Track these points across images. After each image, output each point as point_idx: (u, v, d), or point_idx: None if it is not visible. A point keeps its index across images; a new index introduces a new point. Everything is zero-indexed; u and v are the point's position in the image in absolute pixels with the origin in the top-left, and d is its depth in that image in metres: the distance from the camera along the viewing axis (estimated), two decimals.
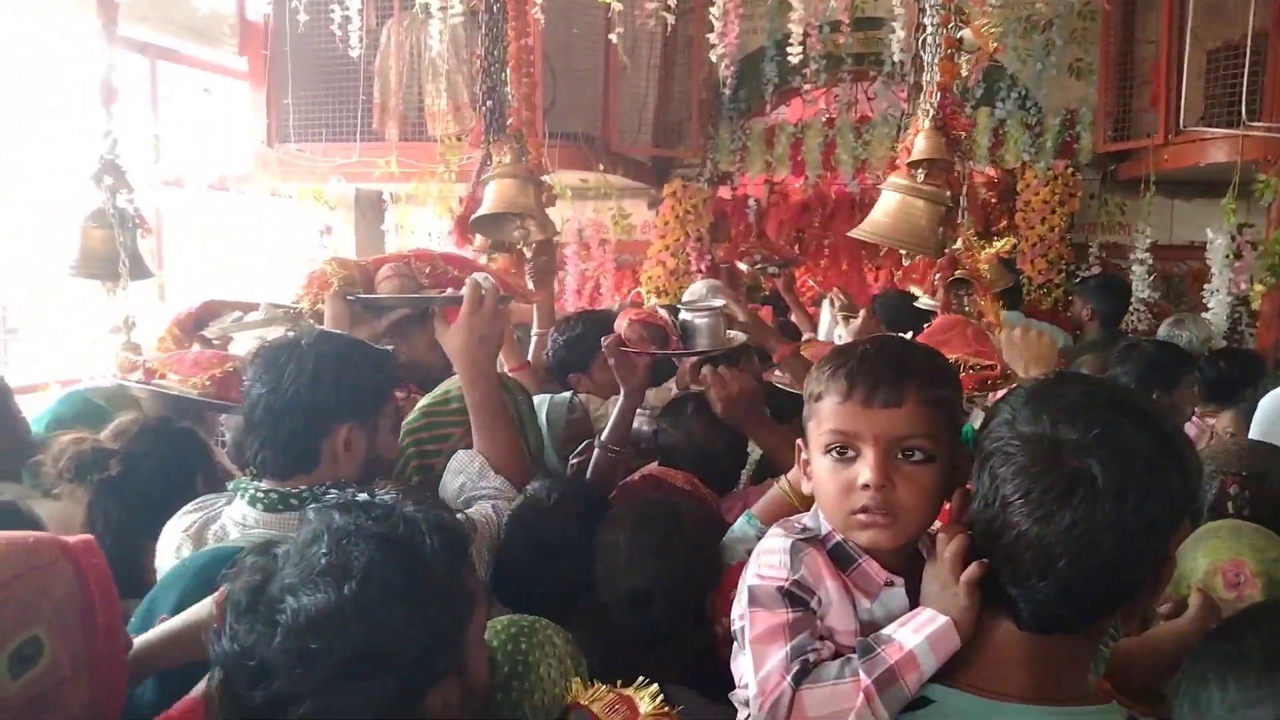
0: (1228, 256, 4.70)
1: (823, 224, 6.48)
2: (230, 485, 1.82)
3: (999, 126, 5.75)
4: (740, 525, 1.69)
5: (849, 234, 2.67)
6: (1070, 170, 5.70)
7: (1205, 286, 4.82)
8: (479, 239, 3.49)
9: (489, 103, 3.34)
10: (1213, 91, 4.72)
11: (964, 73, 2.37)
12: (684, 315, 2.87)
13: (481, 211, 3.26)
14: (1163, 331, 4.33)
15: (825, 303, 5.32)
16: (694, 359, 3.00)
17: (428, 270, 2.36)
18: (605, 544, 1.74)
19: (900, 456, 1.17)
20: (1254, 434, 2.92)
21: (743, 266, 6.05)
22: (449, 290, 2.26)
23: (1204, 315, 4.75)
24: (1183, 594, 1.46)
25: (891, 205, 2.38)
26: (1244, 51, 4.42)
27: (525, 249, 3.39)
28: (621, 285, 6.41)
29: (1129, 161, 5.49)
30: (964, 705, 1.05)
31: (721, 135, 6.17)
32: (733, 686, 1.22)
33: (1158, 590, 1.06)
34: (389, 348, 2.07)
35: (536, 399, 2.80)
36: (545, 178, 4.94)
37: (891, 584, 1.21)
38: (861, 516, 1.18)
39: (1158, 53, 5.02)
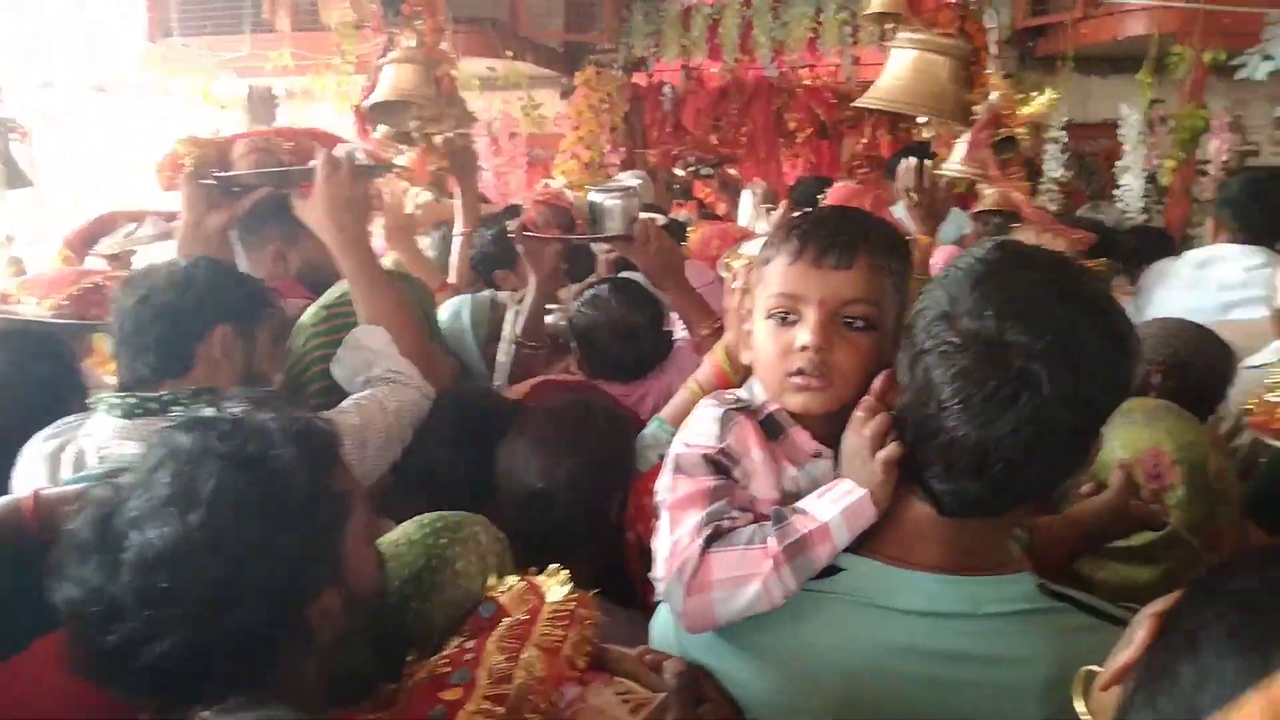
0: (1141, 133, 4.71)
1: (740, 111, 6.32)
2: (90, 400, 1.69)
3: None
4: (651, 430, 1.63)
5: (856, 103, 2.46)
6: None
7: (1117, 164, 4.83)
8: (381, 129, 3.30)
9: None
10: None
11: None
12: (593, 196, 2.75)
13: (375, 98, 3.06)
14: (1080, 214, 4.35)
15: (746, 193, 5.23)
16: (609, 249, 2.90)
17: (289, 146, 2.19)
18: (507, 445, 1.66)
19: (842, 322, 1.15)
20: (1133, 305, 2.97)
21: (677, 171, 5.92)
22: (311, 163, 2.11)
23: (1115, 193, 4.78)
24: (1100, 479, 1.44)
25: (905, 65, 2.17)
26: None
27: (440, 142, 3.21)
28: (534, 182, 6.22)
29: (1047, 37, 5.43)
30: (872, 571, 1.05)
31: (636, 18, 5.93)
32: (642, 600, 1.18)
33: (1086, 469, 1.04)
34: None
35: (455, 301, 2.70)
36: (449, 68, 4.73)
37: (819, 455, 1.20)
38: (797, 379, 1.16)
39: None
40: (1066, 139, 5.33)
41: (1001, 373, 0.92)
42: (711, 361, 1.59)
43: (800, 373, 1.15)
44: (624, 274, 2.92)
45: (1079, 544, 1.36)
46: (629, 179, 4.83)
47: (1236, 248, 2.97)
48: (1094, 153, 5.73)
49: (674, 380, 1.95)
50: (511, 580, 1.22)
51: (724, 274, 1.65)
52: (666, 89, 6.27)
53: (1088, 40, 4.92)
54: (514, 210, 3.26)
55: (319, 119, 5.84)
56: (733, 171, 6.05)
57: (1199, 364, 2.02)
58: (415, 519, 1.32)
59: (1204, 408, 2.04)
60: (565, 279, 3.01)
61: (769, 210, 4.20)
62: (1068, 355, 0.91)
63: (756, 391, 1.25)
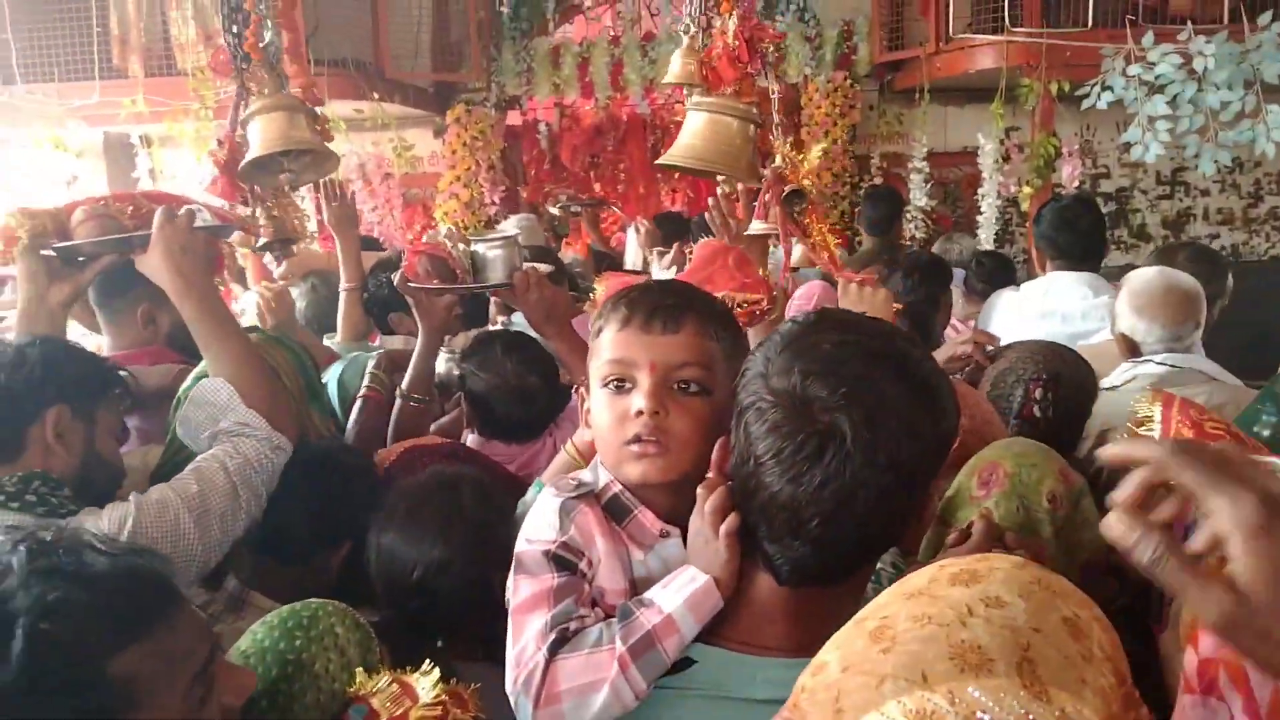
0: (997, 160, 4.90)
1: (616, 147, 6.37)
2: None
3: (779, 40, 5.76)
4: (530, 495, 1.57)
5: (658, 162, 2.56)
6: (849, 82, 5.79)
7: (978, 190, 5.02)
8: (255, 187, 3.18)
9: (234, 27, 2.99)
10: None
11: None
12: (476, 246, 2.73)
13: (251, 156, 2.95)
14: (937, 247, 4.50)
15: (630, 231, 5.26)
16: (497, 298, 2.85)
17: (129, 210, 2.09)
18: (375, 534, 1.59)
19: (676, 388, 1.15)
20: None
21: (552, 209, 5.91)
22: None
23: (978, 219, 4.96)
24: (958, 513, 1.45)
25: (700, 126, 2.23)
26: None
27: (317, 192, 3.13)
28: (413, 222, 6.13)
29: (904, 71, 5.63)
30: (725, 662, 1.02)
31: (505, 57, 5.92)
32: None
33: (921, 531, 1.08)
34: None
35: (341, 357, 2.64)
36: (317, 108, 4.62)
37: (667, 535, 1.17)
38: (634, 447, 1.14)
39: None
40: (928, 168, 5.53)
41: (808, 427, 0.93)
42: (587, 424, 1.56)
43: (637, 440, 1.13)
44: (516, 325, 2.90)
45: None
46: (512, 225, 4.81)
47: (1069, 276, 3.12)
48: (956, 180, 5.95)
49: (568, 436, 1.92)
50: (383, 679, 1.17)
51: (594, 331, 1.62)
52: (542, 127, 6.27)
53: (942, 73, 5.11)
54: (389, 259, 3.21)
55: (180, 165, 5.67)
56: (616, 208, 6.11)
57: (1072, 380, 2.09)
58: (264, 619, 1.25)
59: (1077, 424, 2.14)
60: (463, 324, 2.96)
61: (660, 253, 4.22)
62: (868, 409, 0.92)
63: (601, 473, 1.22)
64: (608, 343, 1.18)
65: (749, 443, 0.98)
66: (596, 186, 6.50)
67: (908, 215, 5.68)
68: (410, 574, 1.53)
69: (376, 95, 5.04)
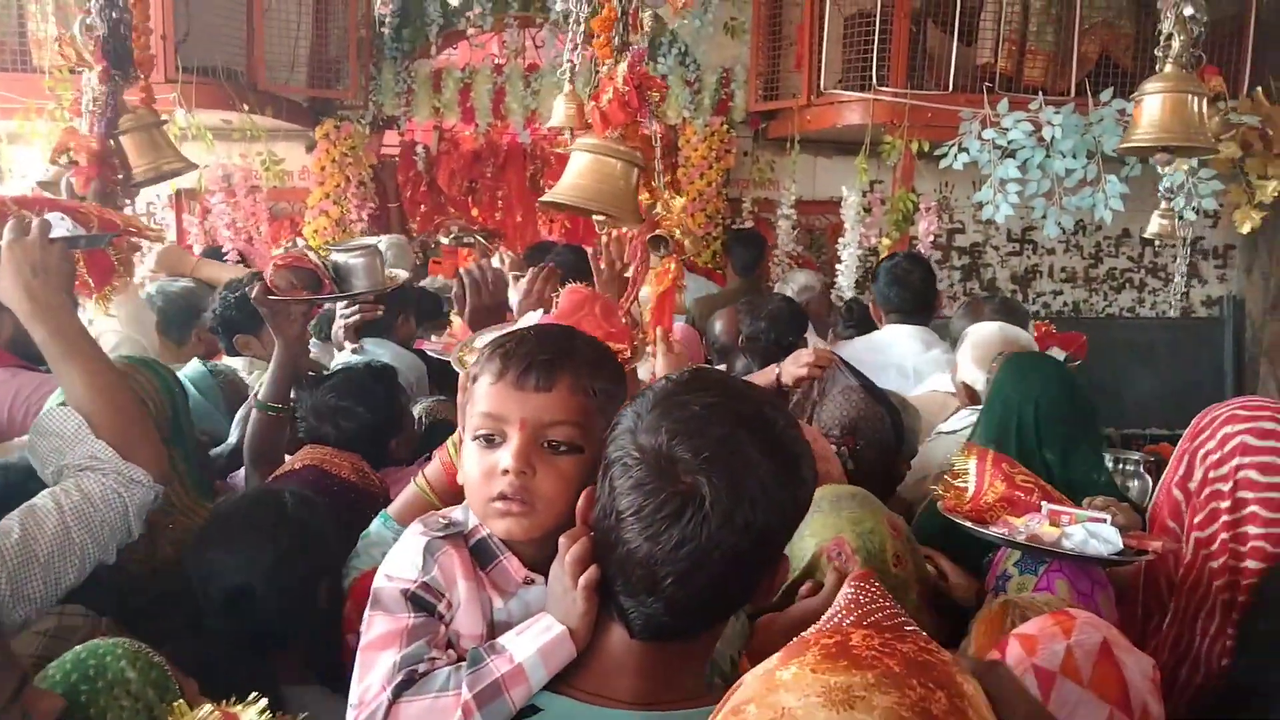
0: (859, 212, 5.09)
1: (495, 174, 6.36)
2: None
3: (661, 82, 5.86)
4: (376, 526, 1.56)
5: (540, 201, 2.56)
6: (726, 127, 5.94)
7: (840, 239, 5.20)
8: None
9: (99, 29, 2.87)
10: (849, 57, 5.05)
11: (645, 27, 2.28)
12: (336, 256, 2.69)
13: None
14: (777, 288, 4.64)
15: (494, 260, 5.24)
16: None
17: None
18: (193, 546, 1.55)
19: (546, 446, 1.14)
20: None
21: (443, 239, 5.86)
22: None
23: (839, 266, 5.13)
24: (794, 573, 1.50)
25: (585, 166, 2.23)
26: (874, 20, 4.75)
27: None
28: (279, 237, 5.96)
29: (778, 120, 5.80)
30: (570, 711, 1.02)
31: (385, 76, 5.84)
32: None
33: (773, 590, 1.07)
34: None
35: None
36: (180, 114, 4.48)
37: (531, 582, 1.17)
38: (499, 504, 1.14)
39: (803, 16, 5.30)
40: (796, 215, 5.71)
41: (669, 487, 0.95)
42: (441, 458, 1.53)
43: (503, 497, 1.13)
44: (370, 341, 2.86)
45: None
46: (382, 242, 4.73)
47: (904, 330, 3.29)
48: (822, 228, 6.15)
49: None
50: (205, 711, 1.13)
51: (457, 368, 1.60)
52: (420, 149, 6.20)
53: (812, 125, 5.29)
54: (259, 275, 3.12)
55: (35, 165, 5.37)
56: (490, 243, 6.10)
57: (873, 436, 2.20)
58: (43, 671, 1.19)
59: (889, 467, 2.29)
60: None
61: (517, 278, 4.21)
62: (730, 474, 0.95)
63: (471, 514, 1.22)
64: (481, 395, 1.17)
65: (613, 497, 1.00)
66: (475, 213, 6.47)
67: (775, 259, 5.85)
68: (226, 584, 1.50)
69: (246, 106, 4.90)
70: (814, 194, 6.05)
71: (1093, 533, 1.53)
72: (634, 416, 1.01)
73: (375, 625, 1.11)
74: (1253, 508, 1.52)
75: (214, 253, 4.92)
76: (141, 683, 1.19)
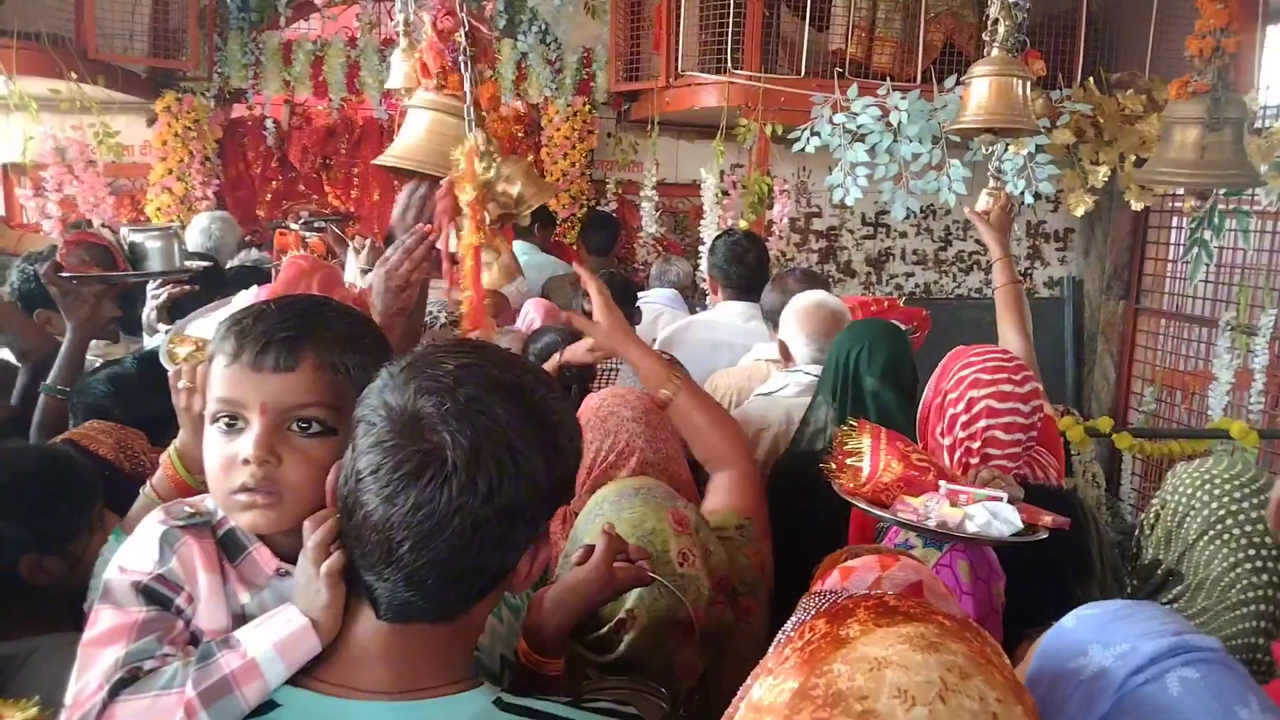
0: (718, 194, 5.14)
1: (350, 151, 6.16)
2: None
3: (522, 60, 5.80)
4: (109, 547, 1.41)
5: (374, 161, 2.47)
6: (588, 108, 5.91)
7: (701, 221, 5.23)
8: None
9: None
10: (706, 39, 5.08)
11: None
12: (132, 236, 2.57)
13: None
14: (654, 269, 4.65)
15: (349, 250, 5.09)
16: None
17: None
18: None
19: (294, 428, 1.06)
20: None
21: (292, 226, 5.63)
22: None
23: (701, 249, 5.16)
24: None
25: (420, 125, 2.14)
26: (729, 4, 4.78)
27: None
28: (120, 214, 5.66)
29: (640, 101, 5.80)
30: (311, 705, 0.95)
31: (231, 48, 5.60)
32: None
33: (531, 578, 1.01)
34: None
35: None
36: (1, 83, 4.18)
37: (285, 573, 1.09)
38: (241, 496, 1.05)
39: None
40: (658, 197, 5.73)
41: (413, 445, 0.90)
42: (165, 464, 1.43)
43: (245, 489, 1.04)
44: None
45: (573, 612, 1.33)
46: (205, 218, 4.54)
47: (736, 306, 3.38)
48: (685, 210, 6.19)
49: None
50: None
51: (167, 364, 1.49)
52: (269, 123, 5.96)
53: (672, 107, 5.30)
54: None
55: None
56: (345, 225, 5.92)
57: None
58: None
59: None
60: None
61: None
62: (476, 436, 0.89)
63: None
64: (216, 377, 1.08)
65: (355, 458, 0.94)
66: (329, 190, 6.26)
67: (640, 240, 5.86)
68: None
69: (74, 75, 4.61)
70: (676, 176, 6.08)
71: (993, 513, 1.52)
72: (387, 375, 0.96)
73: (102, 619, 1.02)
74: (993, 432, 1.77)
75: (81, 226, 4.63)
76: None
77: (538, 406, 0.96)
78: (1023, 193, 4.56)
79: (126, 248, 2.36)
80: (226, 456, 1.06)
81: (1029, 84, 2.93)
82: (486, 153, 1.74)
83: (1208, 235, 4.49)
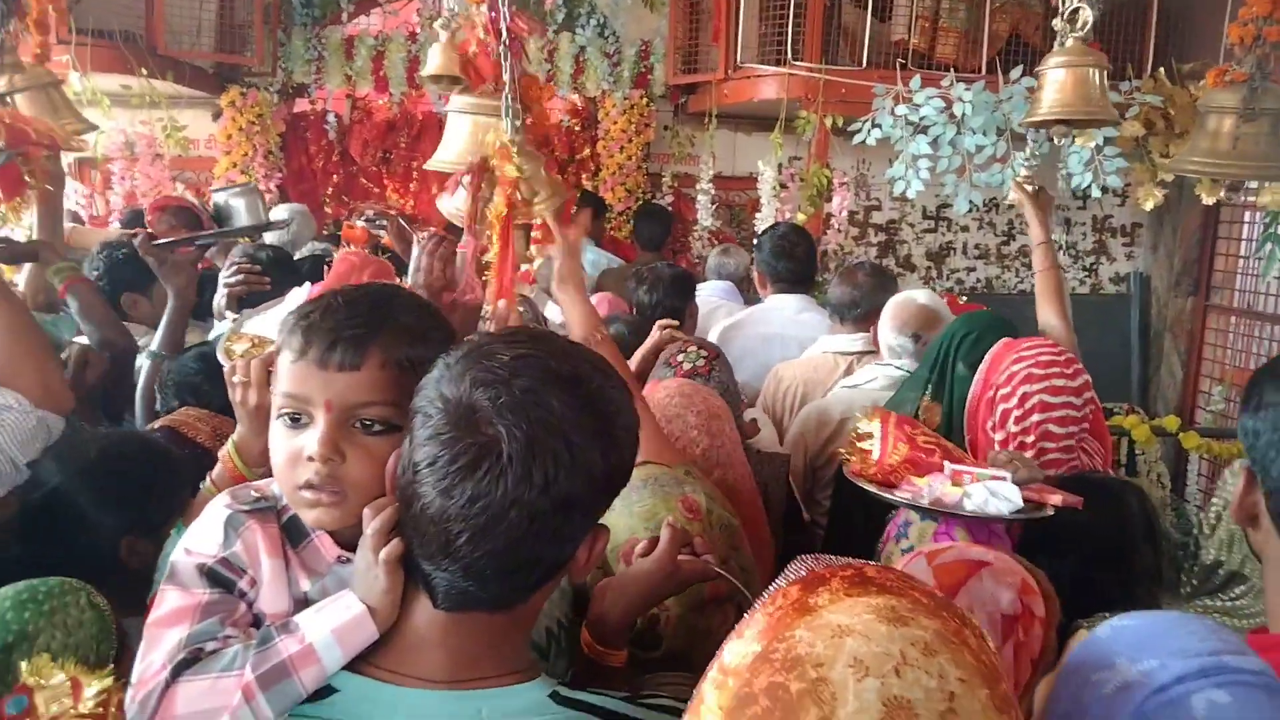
0: (775, 187, 5.10)
1: (410, 145, 6.21)
2: None
3: (580, 54, 5.81)
4: (172, 539, 1.44)
5: (426, 166, 2.49)
6: (645, 101, 5.90)
7: (757, 215, 5.20)
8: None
9: None
10: (765, 31, 5.04)
11: None
12: (216, 197, 2.65)
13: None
14: (712, 259, 4.63)
15: (415, 244, 5.12)
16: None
17: None
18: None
19: (358, 426, 1.05)
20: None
21: (358, 223, 5.72)
22: None
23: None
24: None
25: (465, 131, 2.16)
26: None
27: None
28: None
29: (697, 94, 5.77)
30: (368, 691, 0.96)
31: (295, 43, 5.69)
32: None
33: (589, 566, 1.00)
34: None
35: None
36: (75, 77, 4.28)
37: (346, 560, 1.09)
38: (307, 494, 1.05)
39: None
40: (715, 190, 5.70)
41: (467, 437, 0.89)
42: (224, 458, 1.44)
43: (310, 486, 1.04)
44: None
45: (636, 604, 1.34)
46: (285, 210, 4.61)
47: (787, 299, 3.36)
48: (741, 203, 6.15)
49: None
50: (56, 675, 1.08)
51: (223, 360, 1.51)
52: (331, 117, 6.04)
53: (729, 100, 5.27)
54: (138, 216, 3.03)
55: None
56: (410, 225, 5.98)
57: None
58: (4, 589, 1.19)
59: None
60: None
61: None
62: (530, 427, 0.88)
63: None
64: (283, 373, 1.07)
65: (411, 449, 0.93)
66: (388, 184, 6.33)
67: (695, 234, 5.84)
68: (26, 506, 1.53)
69: (145, 71, 4.71)
70: (733, 169, 6.05)
71: (993, 491, 1.56)
72: (443, 366, 0.95)
73: (167, 600, 1.03)
74: (1047, 426, 1.78)
75: (137, 217, 4.75)
76: (80, 620, 1.21)
77: (594, 396, 0.94)
78: (1089, 186, 4.46)
79: (212, 209, 2.42)
80: (292, 451, 1.06)
81: (1105, 74, 2.85)
82: (515, 144, 1.72)
83: None
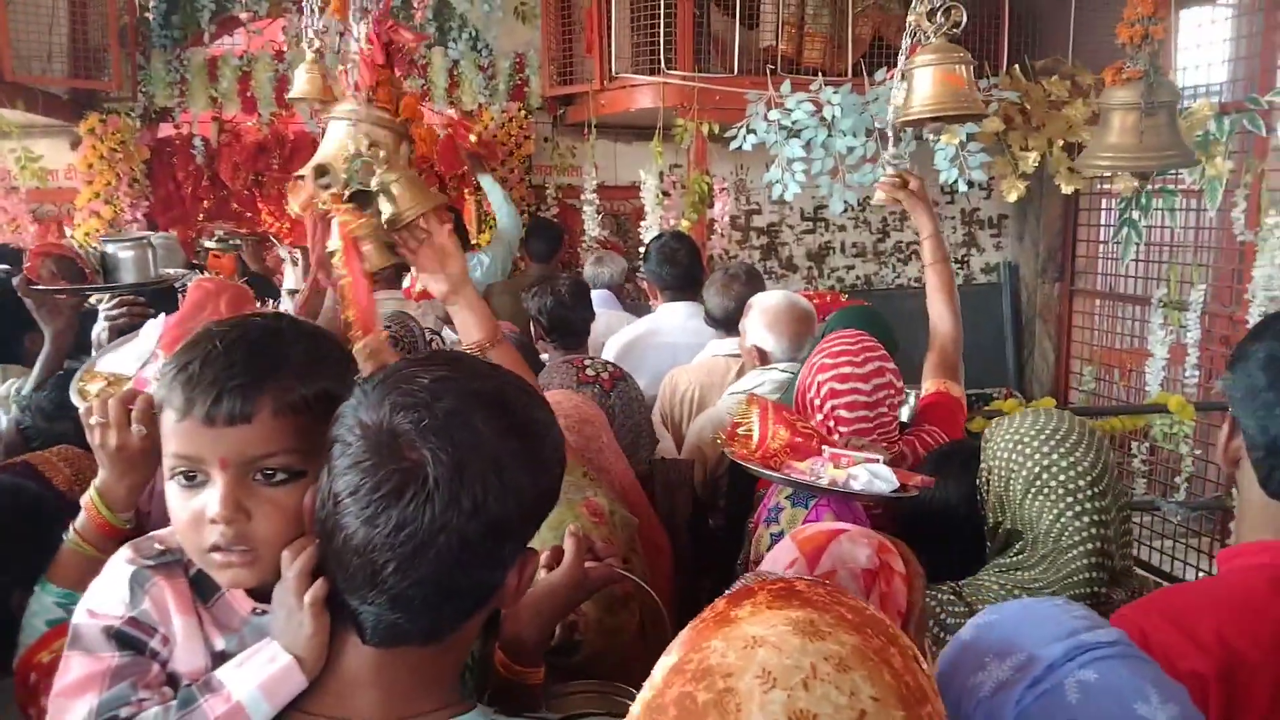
0: (658, 195, 5.14)
1: (283, 166, 6.04)
2: None
3: (453, 67, 5.76)
4: (36, 597, 1.31)
5: (296, 174, 2.42)
6: (523, 113, 5.89)
7: (642, 223, 5.24)
8: None
9: None
10: (638, 41, 5.08)
11: None
12: (106, 246, 2.55)
13: None
14: (587, 268, 4.64)
15: (286, 261, 5.02)
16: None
17: None
18: None
19: (259, 478, 1.00)
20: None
21: (208, 244, 5.54)
22: None
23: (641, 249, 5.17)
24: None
25: (339, 136, 2.13)
26: (659, 4, 4.79)
27: None
28: (45, 240, 5.51)
29: (575, 105, 5.79)
30: None
31: (155, 65, 5.48)
32: None
33: (521, 590, 0.99)
34: None
35: None
36: None
37: (262, 612, 1.05)
38: (216, 556, 0.99)
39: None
40: (599, 200, 5.72)
41: (390, 463, 0.87)
42: (87, 505, 1.31)
43: (218, 548, 0.99)
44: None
45: (550, 619, 1.33)
46: (156, 238, 4.43)
47: (677, 307, 3.43)
48: (626, 213, 6.19)
49: None
50: None
51: (77, 401, 1.42)
52: (198, 141, 5.85)
53: (607, 110, 5.30)
54: (8, 254, 2.89)
55: None
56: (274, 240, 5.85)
57: None
58: None
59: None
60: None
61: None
62: (457, 450, 0.86)
63: None
64: (169, 432, 1.01)
65: (330, 480, 0.90)
66: (261, 207, 6.16)
67: (583, 244, 5.85)
68: None
69: None
70: (616, 179, 6.08)
71: (874, 473, 1.67)
72: (360, 394, 0.92)
73: (73, 667, 0.98)
74: (838, 411, 1.93)
75: (13, 256, 4.48)
76: None
77: (520, 417, 0.93)
78: (956, 181, 4.63)
79: (99, 258, 2.32)
80: (193, 513, 1.00)
81: (972, 69, 2.96)
82: (362, 157, 1.67)
83: (1136, 215, 4.61)
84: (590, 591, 1.39)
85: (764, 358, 2.75)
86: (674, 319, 3.41)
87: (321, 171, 1.62)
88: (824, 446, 1.76)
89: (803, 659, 0.68)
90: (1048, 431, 1.56)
